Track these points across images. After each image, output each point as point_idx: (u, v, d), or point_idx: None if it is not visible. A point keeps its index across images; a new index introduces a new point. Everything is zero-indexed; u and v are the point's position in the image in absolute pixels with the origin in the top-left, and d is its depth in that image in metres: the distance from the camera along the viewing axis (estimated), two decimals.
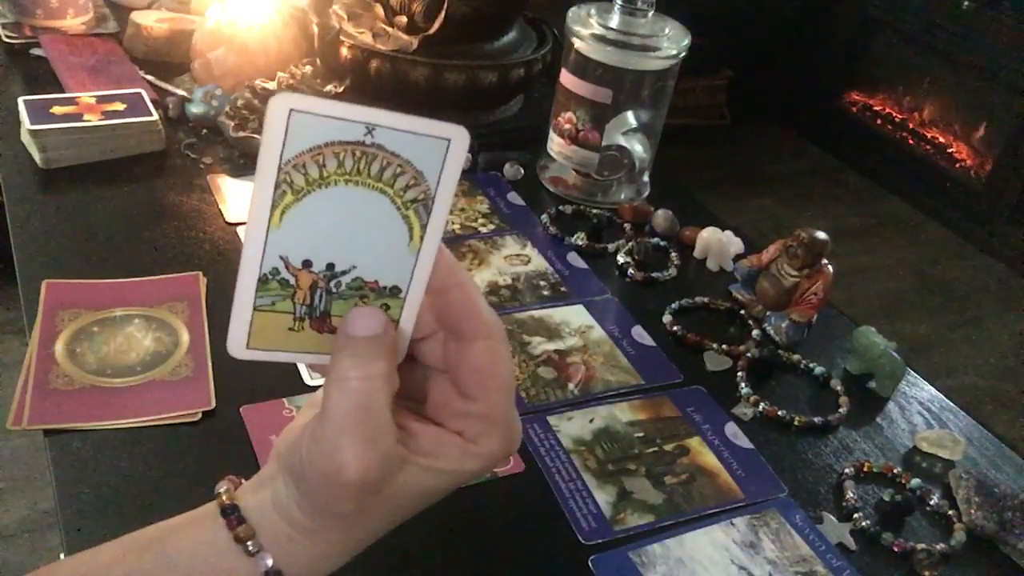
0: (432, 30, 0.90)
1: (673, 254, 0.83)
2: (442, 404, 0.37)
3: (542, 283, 0.77)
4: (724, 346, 0.72)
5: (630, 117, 0.88)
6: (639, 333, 0.72)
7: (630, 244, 0.83)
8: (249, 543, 0.35)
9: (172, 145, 0.88)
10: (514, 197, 0.89)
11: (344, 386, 0.33)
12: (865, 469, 0.62)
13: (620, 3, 0.85)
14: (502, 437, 0.36)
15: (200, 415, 0.57)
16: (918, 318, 2.40)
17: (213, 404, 0.58)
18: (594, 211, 0.88)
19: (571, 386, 0.65)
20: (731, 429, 0.63)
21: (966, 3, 2.65)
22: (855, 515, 0.58)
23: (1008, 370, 2.22)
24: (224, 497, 0.36)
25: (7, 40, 1.01)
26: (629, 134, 0.89)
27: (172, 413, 0.57)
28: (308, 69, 0.92)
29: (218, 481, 0.37)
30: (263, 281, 0.34)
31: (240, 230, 0.76)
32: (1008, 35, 2.58)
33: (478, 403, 0.36)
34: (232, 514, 0.36)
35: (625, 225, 0.87)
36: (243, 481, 0.38)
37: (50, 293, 0.65)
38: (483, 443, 0.36)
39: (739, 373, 0.69)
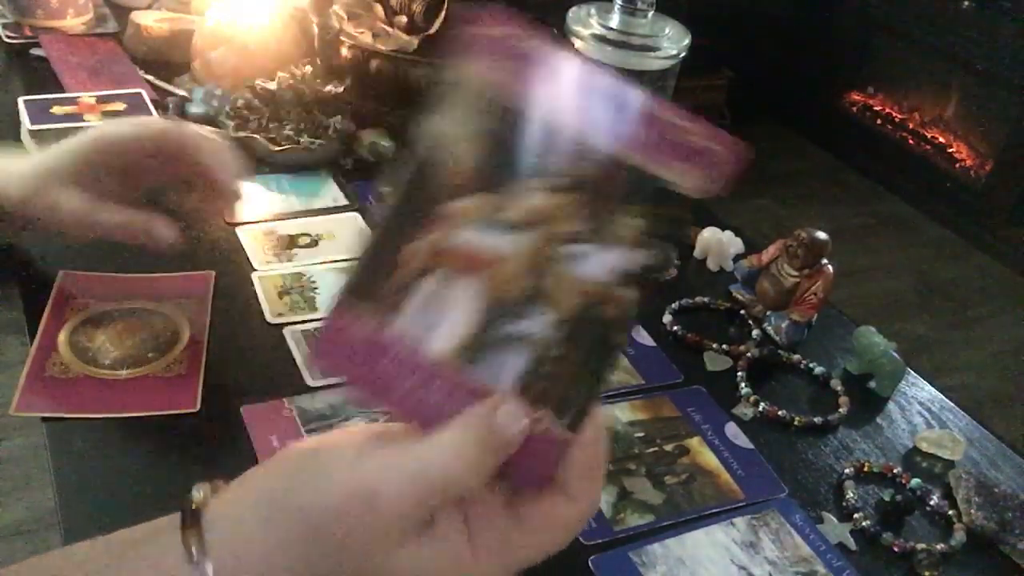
0: (432, 30, 0.90)
1: (673, 254, 0.83)
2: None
3: None
4: (724, 346, 0.72)
5: None
6: (639, 333, 0.72)
7: None
8: (193, 548, 0.33)
9: None
10: None
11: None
12: (865, 469, 0.62)
13: (620, 3, 0.84)
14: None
15: (197, 414, 0.57)
16: (918, 318, 2.40)
17: (198, 406, 0.57)
18: None
19: None
20: (731, 429, 0.63)
21: (966, 3, 2.65)
22: (855, 515, 0.58)
23: (1008, 370, 2.22)
24: (194, 501, 0.34)
25: (7, 40, 1.01)
26: None
27: (158, 411, 0.57)
28: (308, 69, 0.92)
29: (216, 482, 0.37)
30: None
31: (239, 230, 0.76)
32: (1008, 35, 2.58)
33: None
34: (190, 519, 0.34)
35: None
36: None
37: (64, 284, 0.66)
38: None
39: (739, 373, 0.69)
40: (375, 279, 0.33)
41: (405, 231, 0.32)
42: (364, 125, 0.92)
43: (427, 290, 0.32)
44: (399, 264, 0.32)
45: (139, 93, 0.90)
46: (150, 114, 0.87)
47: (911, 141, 2.97)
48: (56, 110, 0.84)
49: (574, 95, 0.32)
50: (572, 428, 0.32)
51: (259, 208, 0.80)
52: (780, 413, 0.65)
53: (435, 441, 0.33)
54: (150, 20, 1.01)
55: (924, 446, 0.65)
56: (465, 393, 0.32)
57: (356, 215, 0.81)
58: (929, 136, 2.93)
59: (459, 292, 0.32)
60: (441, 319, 0.32)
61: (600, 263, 0.32)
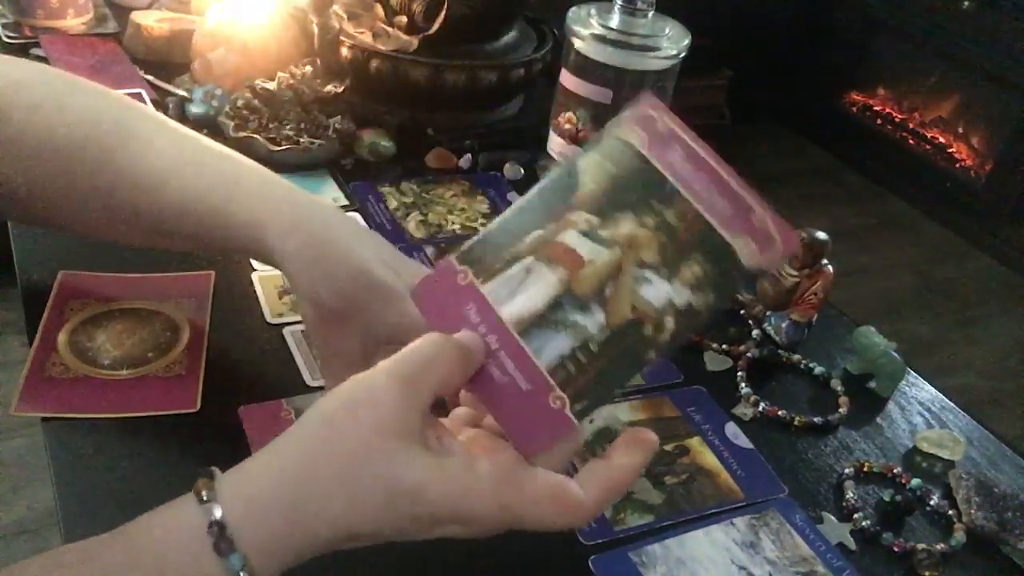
0: (432, 30, 0.90)
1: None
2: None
3: None
4: (724, 346, 0.72)
5: None
6: None
7: None
8: (203, 492, 0.35)
9: None
10: (514, 197, 0.89)
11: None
12: (865, 469, 0.62)
13: (620, 3, 0.84)
14: (496, 489, 0.36)
15: (197, 414, 0.57)
16: (918, 318, 2.40)
17: (198, 406, 0.57)
18: None
19: None
20: (731, 429, 0.63)
21: (966, 3, 2.65)
22: (855, 515, 0.58)
23: (1008, 370, 2.22)
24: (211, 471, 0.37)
25: (7, 40, 1.01)
26: None
27: (157, 411, 0.57)
28: (308, 69, 0.92)
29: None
30: None
31: None
32: (1008, 35, 2.58)
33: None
34: (203, 474, 0.36)
35: None
36: None
37: (64, 284, 0.66)
38: (476, 506, 0.36)
39: (739, 373, 0.69)
40: (490, 250, 0.41)
41: (533, 220, 0.41)
42: (364, 125, 0.92)
43: (524, 265, 0.40)
44: (517, 242, 0.41)
45: (139, 93, 0.90)
46: None
47: (911, 141, 2.97)
48: None
49: (686, 165, 0.40)
50: (578, 417, 0.38)
51: None
52: (780, 413, 0.65)
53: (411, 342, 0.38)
54: (150, 20, 1.01)
55: (924, 446, 0.65)
56: (510, 351, 0.39)
57: (356, 215, 0.81)
58: (929, 136, 2.93)
59: (546, 275, 0.40)
60: (524, 289, 0.40)
61: (658, 292, 0.39)
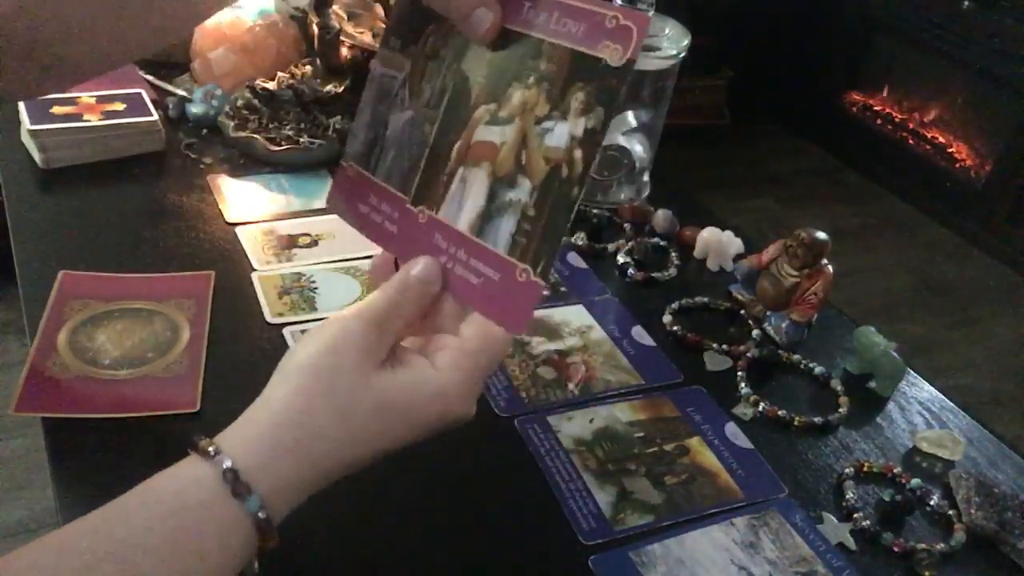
0: None
1: (673, 254, 0.83)
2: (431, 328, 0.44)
3: None
4: (724, 346, 0.72)
5: (630, 117, 0.88)
6: (639, 333, 0.72)
7: (630, 244, 0.83)
8: (209, 448, 0.38)
9: (172, 145, 0.88)
10: None
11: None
12: (865, 469, 0.62)
13: (620, 3, 0.84)
14: (464, 381, 0.42)
15: (197, 414, 0.57)
16: (918, 318, 2.40)
17: (198, 406, 0.57)
18: (594, 211, 0.88)
19: (571, 386, 0.65)
20: (731, 429, 0.63)
21: (966, 3, 2.65)
22: (855, 515, 0.58)
23: (1008, 370, 2.22)
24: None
25: None
26: (629, 134, 0.89)
27: (157, 412, 0.57)
28: (308, 69, 0.92)
29: None
30: None
31: (239, 230, 0.76)
32: (1008, 35, 2.58)
33: (466, 340, 0.42)
34: (195, 440, 0.39)
35: (625, 225, 0.87)
36: None
37: (65, 283, 0.66)
38: (445, 373, 0.41)
39: (739, 373, 0.69)
40: (432, 176, 0.46)
41: (449, 138, 0.46)
42: None
43: (458, 177, 0.45)
44: (449, 159, 0.45)
45: (139, 93, 0.90)
46: (150, 114, 0.87)
47: (911, 141, 2.97)
48: (56, 110, 0.84)
49: (538, 13, 0.43)
50: (543, 277, 0.41)
51: (259, 208, 0.80)
52: (780, 413, 0.65)
53: (378, 290, 0.43)
54: None
55: (924, 446, 0.65)
56: (477, 254, 0.43)
57: None
58: (929, 136, 2.93)
59: (477, 175, 0.44)
60: (467, 197, 0.44)
61: (559, 134, 0.41)
